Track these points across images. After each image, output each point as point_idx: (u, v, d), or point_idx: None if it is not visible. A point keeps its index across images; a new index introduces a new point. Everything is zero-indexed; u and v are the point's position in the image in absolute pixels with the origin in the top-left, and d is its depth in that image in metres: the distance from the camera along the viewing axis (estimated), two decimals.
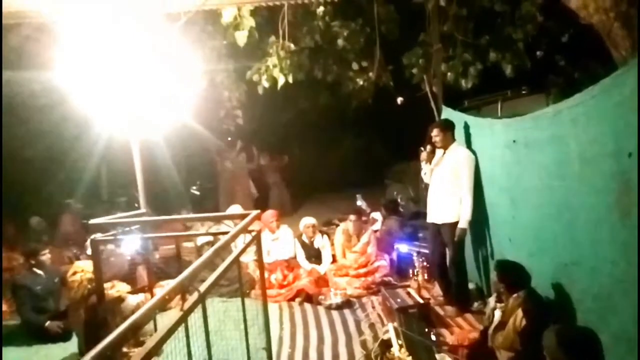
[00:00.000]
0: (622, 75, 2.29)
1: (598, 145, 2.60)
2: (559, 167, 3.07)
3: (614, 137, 2.44)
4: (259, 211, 3.29)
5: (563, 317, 3.16)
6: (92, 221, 3.39)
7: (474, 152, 4.48)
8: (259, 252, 3.34)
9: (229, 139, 10.78)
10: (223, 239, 2.58)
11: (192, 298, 2.07)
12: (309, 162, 12.87)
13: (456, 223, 4.39)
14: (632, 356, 2.53)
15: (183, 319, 1.89)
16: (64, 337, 4.36)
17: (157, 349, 1.60)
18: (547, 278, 3.37)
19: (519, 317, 3.14)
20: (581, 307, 3.04)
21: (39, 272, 4.81)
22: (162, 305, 1.75)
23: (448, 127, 4.57)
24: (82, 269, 4.48)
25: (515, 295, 3.22)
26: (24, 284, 4.67)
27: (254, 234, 3.17)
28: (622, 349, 2.62)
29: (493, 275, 3.43)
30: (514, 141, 3.63)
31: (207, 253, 2.25)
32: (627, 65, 2.24)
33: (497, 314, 3.38)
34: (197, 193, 9.93)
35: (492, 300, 3.53)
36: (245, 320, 2.93)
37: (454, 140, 4.55)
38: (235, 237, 2.77)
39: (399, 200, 8.39)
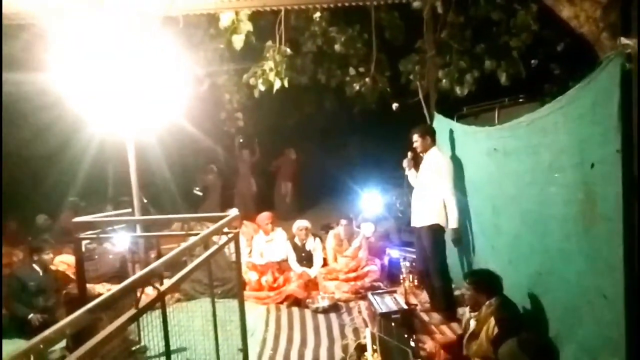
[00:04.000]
0: (584, 88, 2.31)
1: (566, 155, 2.61)
2: (534, 176, 3.09)
3: (579, 148, 2.46)
4: (237, 213, 3.34)
5: (536, 326, 3.17)
6: (77, 219, 3.47)
7: (461, 159, 4.50)
8: (237, 253, 3.39)
9: (241, 140, 10.93)
10: (193, 239, 2.63)
11: (150, 296, 2.13)
12: (315, 165, 12.92)
13: (433, 226, 4.41)
14: None
15: (135, 318, 1.94)
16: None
17: (99, 348, 1.64)
18: (523, 287, 3.37)
19: (491, 325, 3.15)
20: (553, 316, 3.05)
21: (37, 269, 4.92)
22: (112, 303, 1.80)
23: (426, 132, 4.61)
24: (60, 264, 4.53)
25: (487, 303, 3.22)
26: (19, 277, 4.77)
27: (230, 235, 3.22)
28: (588, 359, 2.62)
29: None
30: (495, 149, 3.64)
31: (171, 253, 2.30)
32: (588, 77, 2.25)
33: (472, 323, 3.38)
34: (200, 193, 10.01)
35: (467, 310, 3.54)
36: (215, 321, 2.98)
37: (433, 145, 4.58)
38: (207, 238, 2.83)
39: (397, 205, 8.38)
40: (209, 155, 10.44)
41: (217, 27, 6.53)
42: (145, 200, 6.49)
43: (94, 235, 3.47)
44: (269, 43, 6.18)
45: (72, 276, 4.46)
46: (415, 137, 4.59)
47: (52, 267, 4.70)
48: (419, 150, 4.62)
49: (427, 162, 4.56)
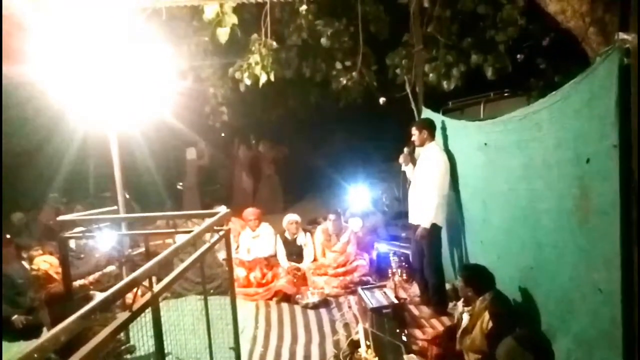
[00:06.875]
0: (580, 83, 2.30)
1: (560, 150, 2.61)
2: (526, 171, 3.09)
3: (574, 143, 2.46)
4: (227, 210, 3.28)
5: (528, 320, 3.19)
6: (61, 218, 3.38)
7: (450, 154, 4.46)
8: (228, 250, 3.34)
9: (222, 134, 10.81)
10: (184, 238, 2.57)
11: (144, 298, 2.07)
12: (300, 160, 12.86)
13: (431, 225, 4.38)
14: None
15: (130, 320, 1.88)
16: (33, 333, 4.26)
17: (97, 351, 1.59)
18: (514, 281, 3.39)
19: (485, 320, 3.15)
20: (545, 310, 3.07)
21: (27, 266, 4.78)
22: (106, 306, 1.74)
23: (424, 126, 4.51)
24: (42, 263, 4.42)
25: (481, 298, 3.23)
26: (7, 273, 4.63)
27: (222, 233, 3.16)
28: (582, 353, 2.65)
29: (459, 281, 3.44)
30: (486, 144, 3.64)
31: (164, 253, 2.24)
32: (585, 72, 2.24)
33: (465, 318, 3.39)
34: (182, 188, 9.91)
35: (460, 304, 3.55)
36: (207, 319, 2.93)
37: (432, 139, 4.48)
38: (198, 236, 2.76)
39: (384, 199, 8.41)
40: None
41: (201, 20, 6.41)
42: (127, 196, 6.37)
43: (79, 234, 3.38)
44: (255, 36, 6.08)
45: (55, 276, 4.33)
46: (413, 130, 4.53)
47: (34, 267, 4.57)
48: (416, 144, 4.57)
49: (423, 158, 4.50)
